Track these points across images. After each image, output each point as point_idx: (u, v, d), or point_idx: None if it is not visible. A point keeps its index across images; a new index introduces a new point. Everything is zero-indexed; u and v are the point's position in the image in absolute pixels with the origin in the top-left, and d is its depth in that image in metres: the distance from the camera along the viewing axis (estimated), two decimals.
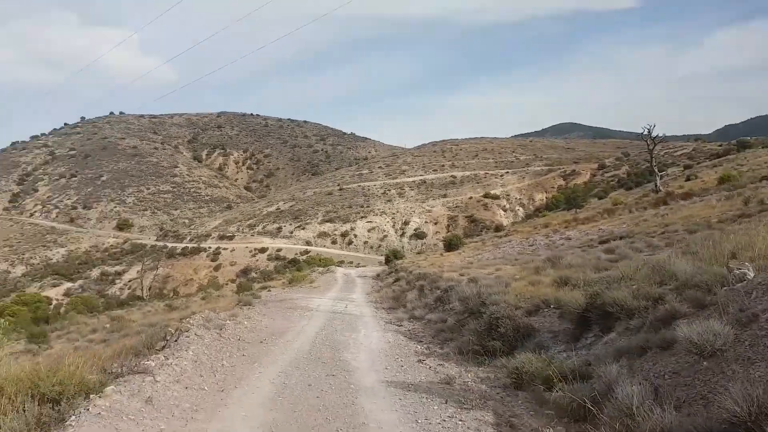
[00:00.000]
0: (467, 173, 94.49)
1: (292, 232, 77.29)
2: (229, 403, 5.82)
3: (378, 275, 30.25)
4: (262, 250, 68.85)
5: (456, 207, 79.32)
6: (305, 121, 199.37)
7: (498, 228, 51.22)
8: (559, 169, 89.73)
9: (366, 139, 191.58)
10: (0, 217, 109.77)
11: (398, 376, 7.18)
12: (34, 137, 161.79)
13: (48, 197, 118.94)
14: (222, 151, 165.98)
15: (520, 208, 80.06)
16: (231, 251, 70.46)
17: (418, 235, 72.49)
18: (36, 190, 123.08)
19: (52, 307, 48.15)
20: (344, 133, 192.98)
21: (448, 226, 73.93)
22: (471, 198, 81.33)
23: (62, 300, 56.63)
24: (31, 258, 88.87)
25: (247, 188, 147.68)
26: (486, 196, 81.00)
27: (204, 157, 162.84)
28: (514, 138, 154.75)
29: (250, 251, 69.51)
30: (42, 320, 37.45)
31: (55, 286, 66.39)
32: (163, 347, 9.45)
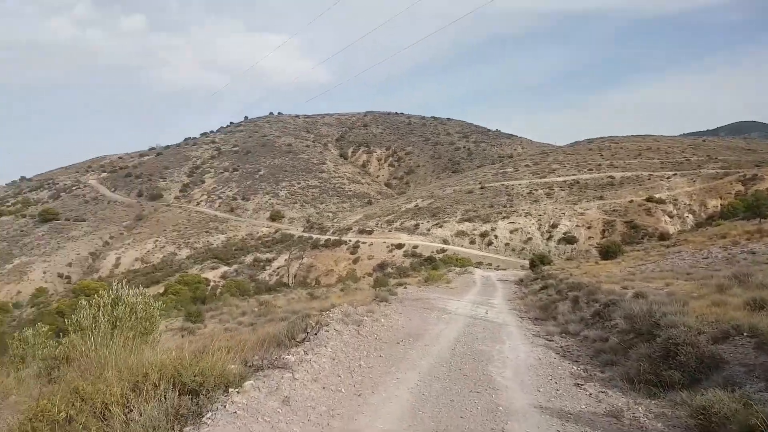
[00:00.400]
0: (628, 174, 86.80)
1: (429, 230, 77.48)
2: (366, 410, 5.47)
3: (521, 280, 28.80)
4: (399, 246, 69.96)
5: (613, 211, 73.22)
6: (449, 119, 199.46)
7: (663, 236, 45.99)
8: (738, 172, 78.41)
9: (512, 136, 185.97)
10: (172, 205, 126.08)
11: (554, 402, 6.31)
12: (204, 134, 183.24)
13: (213, 188, 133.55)
14: (366, 148, 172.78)
15: (690, 215, 71.45)
16: (369, 245, 72.68)
17: (568, 239, 68.15)
18: (203, 182, 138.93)
19: (209, 288, 53.55)
20: (489, 131, 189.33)
21: (604, 231, 68.48)
22: (632, 201, 74.50)
23: (219, 282, 62.78)
24: (195, 243, 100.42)
25: (387, 185, 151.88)
26: (649, 200, 73.56)
27: (349, 154, 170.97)
28: (684, 137, 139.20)
29: (387, 246, 71.03)
30: (200, 300, 41.63)
31: (213, 269, 73.93)
32: (304, 339, 9.53)
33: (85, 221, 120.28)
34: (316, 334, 9.35)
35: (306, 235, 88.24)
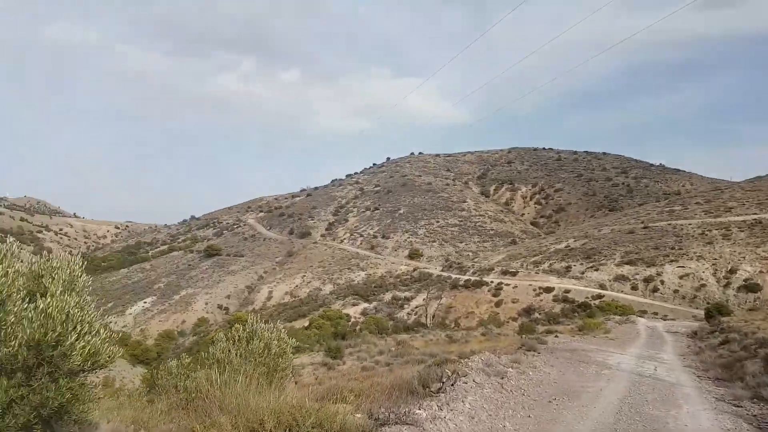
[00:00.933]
0: None
1: (582, 273, 72.25)
2: None
3: (695, 333, 25.20)
4: (548, 290, 66.02)
5: None
6: (604, 153, 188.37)
7: None
8: None
9: (678, 171, 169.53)
10: (318, 242, 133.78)
11: None
12: (349, 175, 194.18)
13: (355, 227, 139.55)
14: (510, 185, 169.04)
15: None
16: (513, 288, 69.63)
17: (750, 287, 59.02)
18: (347, 220, 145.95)
19: (350, 323, 54.89)
20: (651, 165, 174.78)
21: None
22: None
23: (359, 318, 64.24)
24: (338, 279, 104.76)
25: (533, 223, 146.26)
26: None
27: (491, 192, 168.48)
28: None
29: (534, 290, 67.44)
30: (340, 335, 42.67)
31: (354, 305, 76.09)
32: (439, 390, 8.75)
33: (243, 257, 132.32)
34: (452, 384, 8.53)
35: (445, 274, 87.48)
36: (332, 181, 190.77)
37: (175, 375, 10.85)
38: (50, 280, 4.44)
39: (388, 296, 79.70)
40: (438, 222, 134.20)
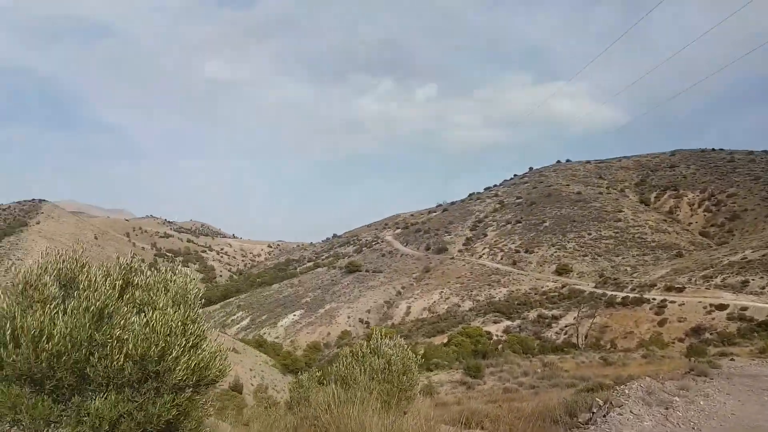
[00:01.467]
0: None
1: (763, 288, 63.01)
2: None
3: None
4: (721, 308, 58.38)
5: None
6: None
7: None
8: None
9: None
10: (455, 258, 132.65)
11: None
12: (487, 188, 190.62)
13: (495, 241, 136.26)
14: (674, 192, 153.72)
15: None
16: (680, 305, 62.62)
17: None
18: (485, 235, 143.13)
19: (491, 342, 53.23)
20: None
21: None
22: None
23: (501, 337, 62.08)
24: (478, 295, 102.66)
25: (702, 233, 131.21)
26: None
27: (652, 200, 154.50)
28: None
29: (704, 307, 60.01)
30: (480, 353, 41.44)
31: (495, 322, 73.82)
32: (588, 421, 7.70)
33: (381, 272, 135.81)
34: (604, 416, 7.43)
35: (598, 291, 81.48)
36: (469, 195, 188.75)
37: (306, 388, 10.95)
38: (157, 293, 4.42)
39: (533, 314, 76.25)
40: (590, 234, 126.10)
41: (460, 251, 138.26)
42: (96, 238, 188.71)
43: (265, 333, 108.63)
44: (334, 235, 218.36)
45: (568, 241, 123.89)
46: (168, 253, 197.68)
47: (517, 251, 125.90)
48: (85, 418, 3.78)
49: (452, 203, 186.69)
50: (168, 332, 4.02)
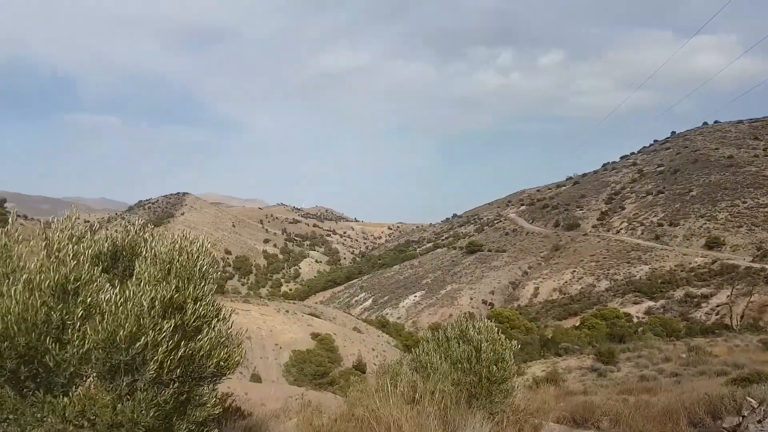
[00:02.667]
0: None
1: None
2: None
3: None
4: None
5: None
6: None
7: None
8: None
9: None
10: (589, 234, 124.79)
11: None
12: (624, 157, 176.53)
13: (634, 214, 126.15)
14: None
15: None
16: None
17: None
18: (623, 208, 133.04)
19: (629, 325, 49.19)
20: None
21: None
22: None
23: (642, 318, 57.29)
24: (615, 274, 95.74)
25: None
26: None
27: None
28: None
29: None
30: (617, 337, 38.33)
31: (635, 303, 68.35)
32: (736, 428, 6.01)
33: (505, 252, 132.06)
34: (759, 422, 5.73)
35: (756, 265, 72.21)
36: (603, 165, 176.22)
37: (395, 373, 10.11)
38: (146, 264, 3.69)
39: (679, 293, 69.72)
40: (745, 203, 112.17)
41: (594, 227, 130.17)
42: (233, 225, 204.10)
43: (387, 314, 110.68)
44: (454, 215, 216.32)
45: (719, 211, 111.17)
46: (296, 238, 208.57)
47: (660, 224, 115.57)
48: (47, 418, 3.15)
49: (584, 175, 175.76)
50: (140, 313, 3.26)
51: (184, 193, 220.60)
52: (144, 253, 3.99)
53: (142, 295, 3.30)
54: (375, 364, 55.24)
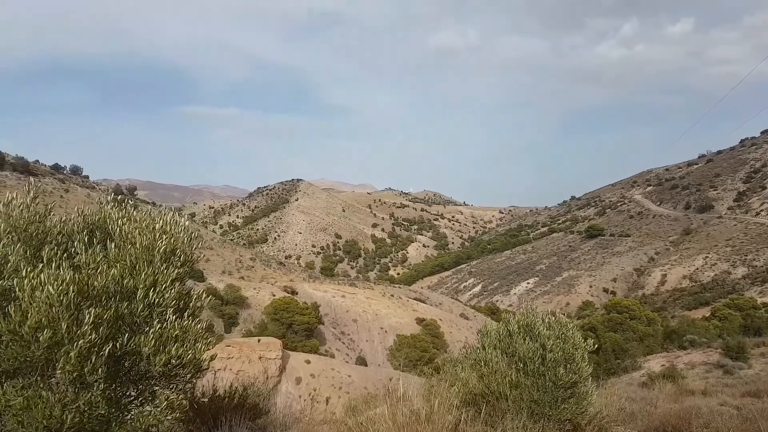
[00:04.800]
0: None
1: None
2: None
3: None
4: None
5: None
6: None
7: None
8: None
9: None
10: (724, 217, 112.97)
11: None
12: (765, 131, 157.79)
13: None
14: None
15: None
16: None
17: None
18: (764, 188, 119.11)
19: None
20: None
21: None
22: None
23: None
24: (754, 260, 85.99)
25: None
26: None
27: None
28: None
29: None
30: (752, 330, 34.25)
31: None
32: None
33: (629, 236, 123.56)
34: None
35: None
36: (741, 141, 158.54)
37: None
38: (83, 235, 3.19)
39: None
40: None
41: (730, 208, 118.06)
42: (343, 210, 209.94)
43: (497, 300, 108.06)
44: (572, 198, 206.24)
45: None
46: (404, 222, 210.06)
47: None
48: None
49: (718, 152, 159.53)
50: (49, 301, 2.73)
51: (298, 180, 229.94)
52: (114, 232, 3.53)
53: (55, 280, 2.77)
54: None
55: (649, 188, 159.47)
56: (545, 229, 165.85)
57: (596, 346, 6.41)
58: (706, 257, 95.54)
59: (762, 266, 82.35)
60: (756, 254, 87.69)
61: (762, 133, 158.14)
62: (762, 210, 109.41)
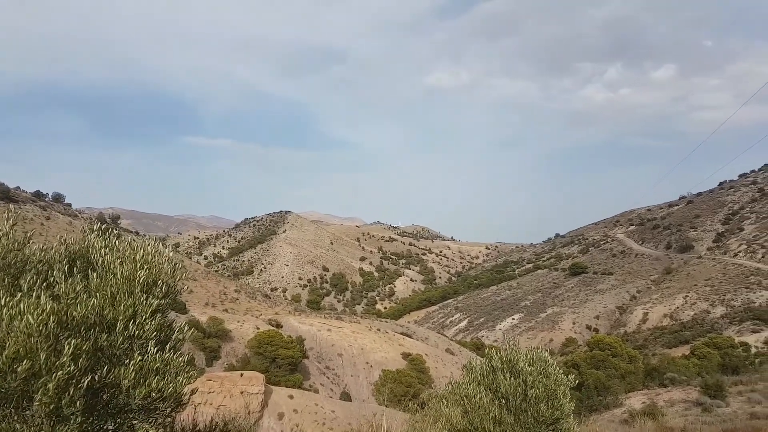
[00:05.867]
0: None
1: None
2: None
3: None
4: None
5: None
6: None
7: None
8: None
9: None
10: (703, 257, 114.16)
11: None
12: (743, 175, 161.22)
13: (754, 236, 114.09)
14: None
15: None
16: None
17: None
18: (741, 229, 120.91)
19: (746, 355, 43.98)
20: None
21: None
22: None
23: (761, 349, 51.15)
24: (732, 300, 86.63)
25: None
26: None
27: None
28: None
29: None
30: (730, 368, 34.33)
31: (754, 332, 61.20)
32: None
33: (612, 275, 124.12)
34: None
35: None
36: (720, 183, 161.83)
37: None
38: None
39: None
40: None
41: (709, 249, 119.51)
42: (332, 243, 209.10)
43: (482, 336, 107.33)
44: (557, 235, 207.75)
45: None
46: (392, 256, 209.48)
47: None
48: None
49: (698, 194, 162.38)
50: (28, 330, 2.68)
51: (287, 212, 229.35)
52: (96, 262, 3.50)
53: (34, 310, 2.73)
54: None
55: (632, 228, 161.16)
56: (530, 265, 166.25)
57: (578, 382, 6.38)
58: (686, 296, 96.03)
59: (740, 306, 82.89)
60: (734, 294, 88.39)
61: (740, 176, 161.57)
62: (740, 251, 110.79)
